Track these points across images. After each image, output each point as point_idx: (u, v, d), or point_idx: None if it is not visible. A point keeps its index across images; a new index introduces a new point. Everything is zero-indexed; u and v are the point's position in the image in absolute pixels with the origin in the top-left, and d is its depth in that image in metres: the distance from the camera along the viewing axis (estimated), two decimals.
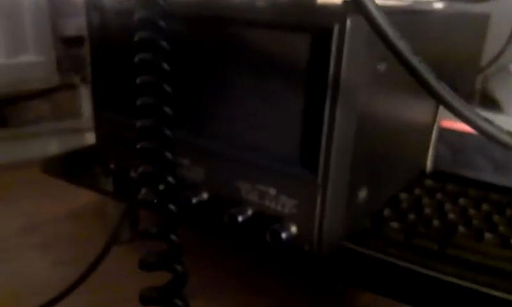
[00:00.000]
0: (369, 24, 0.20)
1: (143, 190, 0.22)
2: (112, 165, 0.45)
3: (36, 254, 0.59)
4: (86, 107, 0.89)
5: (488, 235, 0.38)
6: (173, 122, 0.21)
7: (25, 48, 0.79)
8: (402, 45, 0.20)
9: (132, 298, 0.49)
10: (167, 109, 0.21)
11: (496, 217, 0.41)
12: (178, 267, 0.20)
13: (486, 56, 0.62)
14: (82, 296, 0.44)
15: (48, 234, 0.63)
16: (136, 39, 0.22)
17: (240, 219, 0.36)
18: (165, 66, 0.21)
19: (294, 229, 0.34)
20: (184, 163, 0.39)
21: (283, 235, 0.34)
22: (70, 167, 0.53)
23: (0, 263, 0.57)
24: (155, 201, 0.20)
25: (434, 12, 0.43)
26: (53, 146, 0.85)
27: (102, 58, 0.45)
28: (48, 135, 0.86)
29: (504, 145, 0.20)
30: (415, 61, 0.19)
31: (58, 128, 0.87)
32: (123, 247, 0.59)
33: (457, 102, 0.19)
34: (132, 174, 0.44)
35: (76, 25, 0.84)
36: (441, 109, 0.49)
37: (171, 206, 0.20)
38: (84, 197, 0.70)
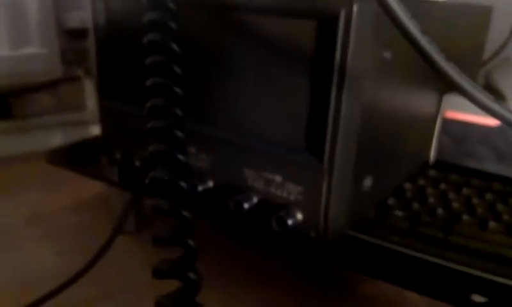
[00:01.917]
0: (378, 2, 0.20)
1: (152, 172, 0.22)
2: (117, 155, 0.46)
3: (41, 244, 0.59)
4: (90, 100, 0.89)
5: (492, 223, 0.38)
6: (183, 102, 0.22)
7: (29, 41, 0.79)
8: (411, 25, 0.20)
9: (137, 288, 0.50)
10: (177, 89, 0.21)
11: (500, 206, 0.41)
12: (191, 242, 0.20)
13: (489, 49, 0.62)
14: (87, 286, 0.45)
15: (53, 225, 0.64)
16: (144, 20, 0.22)
17: (246, 206, 0.36)
18: (174, 46, 0.21)
19: (299, 216, 0.35)
20: (190, 151, 0.39)
21: (289, 222, 0.34)
22: (75, 158, 0.53)
23: (6, 252, 0.57)
24: (167, 178, 0.20)
25: (436, 3, 0.43)
26: (57, 139, 0.85)
27: (107, 47, 0.45)
28: (52, 127, 0.86)
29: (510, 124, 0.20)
30: (424, 41, 0.20)
31: (62, 120, 0.87)
32: (129, 238, 0.59)
33: (466, 83, 0.20)
34: (137, 163, 0.44)
35: (80, 17, 0.84)
36: (445, 99, 0.50)
37: (182, 184, 0.20)
38: (89, 188, 0.71)
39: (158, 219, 0.22)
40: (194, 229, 0.20)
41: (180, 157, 0.21)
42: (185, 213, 0.20)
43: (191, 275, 0.20)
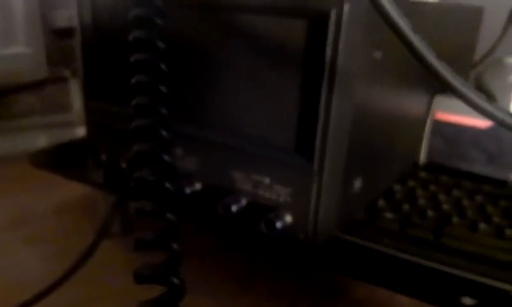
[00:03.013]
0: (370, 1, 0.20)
1: (137, 173, 0.22)
2: (103, 157, 0.45)
3: (24, 248, 0.58)
4: (76, 100, 0.88)
5: (482, 226, 0.38)
6: (168, 101, 0.21)
7: (14, 40, 0.77)
8: (403, 23, 0.19)
9: (122, 292, 0.49)
10: (162, 87, 0.21)
11: (490, 208, 0.41)
12: (175, 245, 0.19)
13: (480, 50, 0.62)
14: (71, 291, 0.44)
15: (36, 228, 0.62)
16: (130, 16, 0.21)
17: (234, 208, 0.35)
18: (160, 44, 0.21)
19: (288, 218, 0.34)
20: (177, 153, 0.39)
21: (278, 224, 0.33)
22: (59, 160, 0.52)
23: None
24: (151, 179, 0.20)
25: (427, 4, 0.43)
26: (42, 140, 0.84)
27: (93, 46, 0.44)
28: (37, 128, 0.84)
29: (501, 123, 0.20)
30: (416, 39, 0.19)
31: (48, 121, 0.86)
32: (114, 241, 0.58)
33: (458, 82, 0.19)
34: (123, 165, 0.43)
35: (67, 16, 0.82)
36: (436, 101, 0.49)
37: (168, 185, 0.20)
38: (73, 191, 0.69)
39: (144, 223, 0.22)
40: (178, 232, 0.20)
41: (166, 157, 0.20)
42: (169, 215, 0.20)
43: (174, 280, 0.19)
